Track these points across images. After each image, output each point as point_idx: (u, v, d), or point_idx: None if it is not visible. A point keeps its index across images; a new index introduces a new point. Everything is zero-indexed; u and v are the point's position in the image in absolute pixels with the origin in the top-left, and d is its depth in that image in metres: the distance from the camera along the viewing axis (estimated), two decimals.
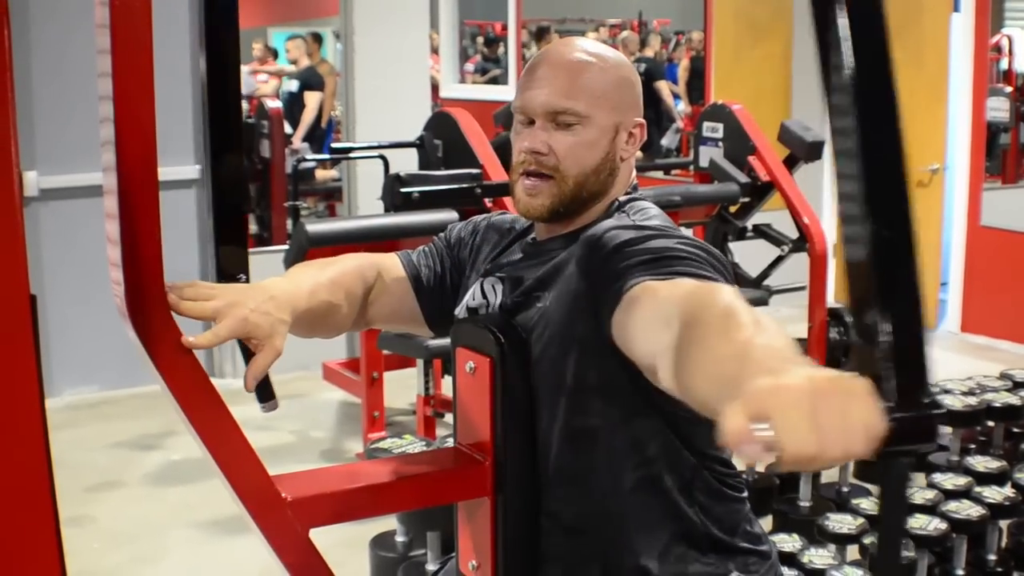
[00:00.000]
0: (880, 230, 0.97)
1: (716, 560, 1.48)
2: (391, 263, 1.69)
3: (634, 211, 1.50)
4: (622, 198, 1.54)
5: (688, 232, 1.46)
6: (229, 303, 1.33)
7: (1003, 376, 4.10)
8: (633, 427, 1.44)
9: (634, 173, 1.57)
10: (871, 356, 0.95)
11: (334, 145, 6.53)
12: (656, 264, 1.31)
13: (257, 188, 7.23)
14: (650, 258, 1.32)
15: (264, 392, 1.39)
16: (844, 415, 0.85)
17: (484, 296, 1.59)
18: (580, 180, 1.48)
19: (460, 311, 1.63)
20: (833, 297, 6.18)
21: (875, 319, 0.95)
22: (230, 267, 1.43)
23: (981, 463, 3.33)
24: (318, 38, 8.36)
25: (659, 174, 7.58)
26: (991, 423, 3.84)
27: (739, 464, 1.51)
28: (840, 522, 2.89)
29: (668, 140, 8.59)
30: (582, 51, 1.51)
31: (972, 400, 3.73)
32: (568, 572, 1.52)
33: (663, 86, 8.52)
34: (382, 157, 5.31)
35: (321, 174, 7.98)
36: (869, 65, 0.98)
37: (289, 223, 6.46)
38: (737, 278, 5.76)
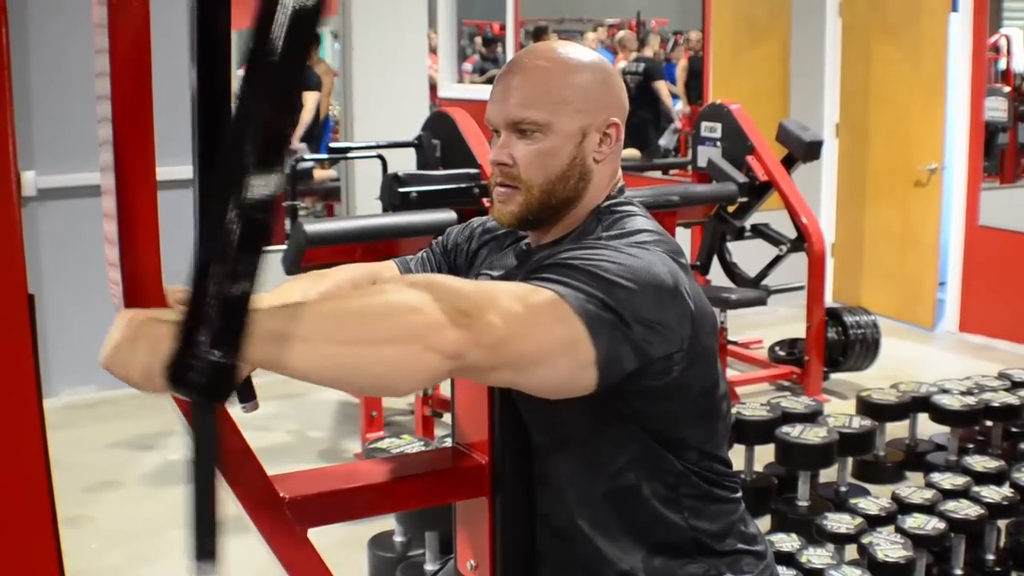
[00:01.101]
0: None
1: (707, 562, 1.48)
2: (388, 272, 1.68)
3: (610, 220, 1.47)
4: (604, 204, 1.50)
5: (686, 233, 1.45)
6: None
7: (1001, 376, 4.10)
8: (601, 438, 1.44)
9: (619, 174, 1.54)
10: (188, 301, 1.00)
11: (332, 145, 6.52)
12: (540, 270, 1.32)
13: None
14: (546, 264, 1.33)
15: (245, 393, 1.39)
16: (132, 346, 1.03)
17: None
18: (547, 188, 1.46)
19: None
20: (832, 297, 6.18)
21: (203, 268, 0.99)
22: None
23: (979, 463, 3.33)
24: None
25: (657, 174, 7.57)
26: (989, 423, 3.85)
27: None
28: (838, 522, 2.90)
29: (666, 140, 8.56)
30: (543, 57, 1.48)
31: (970, 400, 3.73)
32: (556, 574, 1.52)
33: (661, 86, 8.48)
34: (380, 157, 5.31)
35: (319, 174, 7.97)
36: None
37: (287, 223, 6.46)
38: (735, 278, 5.78)
